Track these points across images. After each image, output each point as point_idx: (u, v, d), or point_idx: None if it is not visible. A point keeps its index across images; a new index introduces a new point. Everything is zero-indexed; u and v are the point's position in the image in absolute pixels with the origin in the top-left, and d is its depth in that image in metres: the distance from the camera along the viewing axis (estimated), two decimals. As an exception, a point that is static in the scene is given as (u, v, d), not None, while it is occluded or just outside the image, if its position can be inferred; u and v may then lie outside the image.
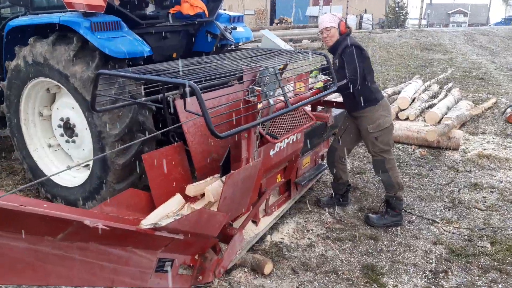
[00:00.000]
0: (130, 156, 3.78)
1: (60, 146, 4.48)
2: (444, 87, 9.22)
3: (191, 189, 2.97)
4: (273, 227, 3.86)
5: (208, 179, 3.10)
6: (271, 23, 34.16)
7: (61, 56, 3.75)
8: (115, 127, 3.68)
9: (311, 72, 3.99)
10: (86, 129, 3.95)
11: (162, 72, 2.74)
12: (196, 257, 2.77)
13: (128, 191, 2.75)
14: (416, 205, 4.38)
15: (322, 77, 3.85)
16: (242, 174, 2.69)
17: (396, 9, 33.60)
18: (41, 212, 1.65)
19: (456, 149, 5.87)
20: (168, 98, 2.99)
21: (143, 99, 3.07)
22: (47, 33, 3.96)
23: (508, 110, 7.15)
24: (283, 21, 30.95)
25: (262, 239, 3.68)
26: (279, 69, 3.05)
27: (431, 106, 7.72)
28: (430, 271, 3.30)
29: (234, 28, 5.21)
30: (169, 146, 3.03)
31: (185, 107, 2.11)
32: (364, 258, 3.48)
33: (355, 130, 3.94)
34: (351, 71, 3.50)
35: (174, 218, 2.70)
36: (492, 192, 4.61)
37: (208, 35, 5.15)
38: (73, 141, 4.20)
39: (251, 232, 3.54)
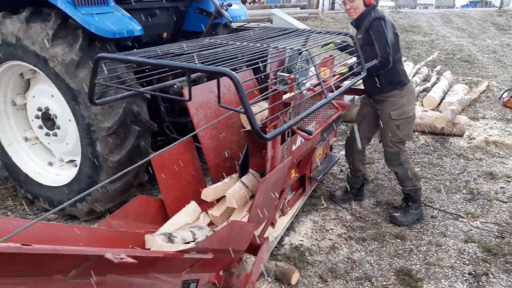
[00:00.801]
0: (125, 152, 3.27)
1: (39, 139, 3.88)
2: (434, 70, 9.02)
3: (209, 193, 2.52)
4: (289, 227, 3.47)
5: (226, 180, 2.65)
6: (243, 2, 33.02)
7: (37, 36, 3.15)
8: (107, 119, 3.15)
9: (325, 45, 3.51)
10: (70, 120, 3.40)
11: (173, 56, 2.25)
12: (221, 273, 2.35)
13: (137, 199, 2.27)
14: (434, 197, 4.09)
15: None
16: (274, 177, 2.26)
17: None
18: (51, 251, 1.17)
19: (461, 135, 5.64)
20: (175, 86, 2.50)
21: (147, 88, 2.54)
22: (16, 7, 3.34)
23: (505, 94, 6.99)
24: (256, 1, 29.87)
25: (280, 242, 3.28)
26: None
27: (425, 90, 7.49)
28: (470, 274, 3.01)
29: (230, 5, 4.69)
30: (177, 143, 2.54)
31: (219, 101, 1.65)
32: (395, 261, 3.16)
33: (374, 116, 3.56)
34: (382, 48, 3.08)
35: (191, 231, 2.25)
36: (509, 182, 4.39)
37: (200, 12, 4.62)
38: (54, 134, 3.63)
39: (270, 235, 3.13)
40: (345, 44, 3.45)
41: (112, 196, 3.46)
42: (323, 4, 20.69)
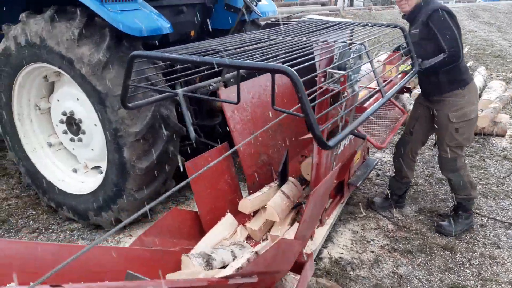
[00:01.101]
0: (154, 158, 3.08)
1: (63, 145, 3.74)
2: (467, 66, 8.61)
3: (247, 205, 2.31)
4: (327, 239, 3.24)
5: (265, 189, 2.43)
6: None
7: (62, 36, 2.99)
8: (134, 124, 2.96)
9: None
10: (96, 125, 3.23)
11: (214, 54, 2.04)
12: (263, 294, 2.13)
13: (170, 213, 2.07)
14: (481, 204, 3.79)
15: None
16: (323, 188, 2.03)
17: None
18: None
19: (502, 135, 5.29)
20: (210, 87, 2.29)
21: (183, 89, 2.33)
22: (41, 6, 3.19)
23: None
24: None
25: (318, 255, 3.05)
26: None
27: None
28: (531, 291, 2.73)
29: (259, 0, 4.47)
30: (213, 149, 2.35)
31: (273, 103, 1.42)
32: (446, 276, 2.89)
33: (429, 118, 3.27)
34: (449, 41, 2.81)
35: (232, 251, 2.04)
36: (562, 186, 4.05)
37: (228, 9, 4.41)
38: (80, 140, 3.47)
39: (308, 248, 2.91)
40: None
41: (139, 205, 3.28)
42: (344, 0, 20.32)
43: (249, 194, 2.48)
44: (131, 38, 3.04)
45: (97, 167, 3.65)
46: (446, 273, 2.92)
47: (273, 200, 2.24)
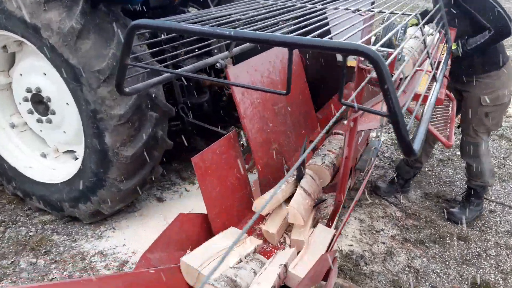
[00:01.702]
0: (141, 144, 2.66)
1: (28, 126, 3.23)
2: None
3: (261, 203, 1.95)
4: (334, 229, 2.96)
5: (282, 185, 2.07)
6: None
7: (25, -3, 2.46)
8: (118, 105, 2.52)
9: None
10: (68, 104, 2.76)
11: (227, 24, 1.62)
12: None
13: (177, 220, 1.70)
14: (487, 187, 3.62)
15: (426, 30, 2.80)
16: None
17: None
18: None
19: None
20: (217, 64, 1.89)
21: (186, 68, 1.87)
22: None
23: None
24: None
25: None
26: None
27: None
28: (554, 284, 2.58)
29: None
30: (221, 139, 1.96)
31: (341, 97, 1.06)
32: (464, 269, 2.69)
33: (457, 99, 2.99)
34: (495, 17, 2.52)
35: (253, 270, 1.69)
36: None
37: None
38: (48, 121, 2.97)
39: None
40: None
41: (123, 196, 2.88)
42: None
43: (261, 189, 2.13)
44: (109, 2, 2.55)
45: (70, 151, 3.18)
46: (464, 266, 2.73)
47: (295, 200, 1.90)
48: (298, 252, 1.83)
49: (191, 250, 1.70)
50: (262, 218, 2.10)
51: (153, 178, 3.02)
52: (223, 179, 1.92)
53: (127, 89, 1.44)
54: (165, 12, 3.39)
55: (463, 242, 2.94)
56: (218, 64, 1.88)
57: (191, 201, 3.34)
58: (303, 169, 2.12)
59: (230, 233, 1.87)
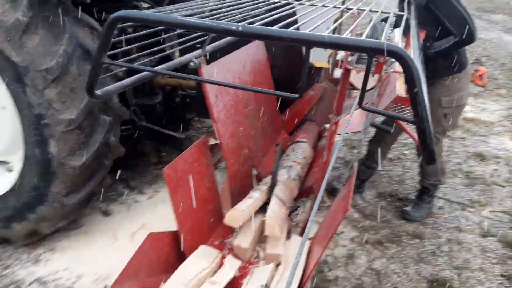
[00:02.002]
0: (92, 153, 2.42)
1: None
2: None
3: (237, 216, 1.83)
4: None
5: (255, 194, 1.98)
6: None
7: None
8: (67, 108, 2.27)
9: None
10: (4, 108, 2.44)
11: (218, 17, 1.49)
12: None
13: (147, 241, 1.53)
14: (432, 184, 3.79)
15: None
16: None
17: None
18: None
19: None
20: (191, 63, 1.75)
21: (162, 66, 1.68)
22: None
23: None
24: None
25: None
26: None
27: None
28: (502, 275, 2.74)
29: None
30: (193, 146, 1.83)
31: (361, 102, 0.98)
32: (422, 267, 2.78)
33: None
34: (459, 23, 2.60)
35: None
36: (498, 162, 4.24)
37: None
38: (-24, 127, 2.62)
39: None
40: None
41: (67, 212, 2.60)
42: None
43: (232, 199, 2.01)
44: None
45: (2, 163, 2.83)
46: (421, 264, 2.81)
47: (272, 210, 1.81)
48: (277, 265, 1.75)
49: (164, 281, 1.54)
50: (231, 231, 1.98)
51: (101, 190, 2.78)
52: (195, 190, 1.78)
53: (98, 92, 1.26)
54: (117, 6, 3.13)
55: (418, 240, 3.04)
56: (192, 63, 1.73)
57: (141, 214, 3.11)
58: (276, 176, 2.05)
59: (202, 253, 1.73)
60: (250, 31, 0.96)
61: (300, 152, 2.45)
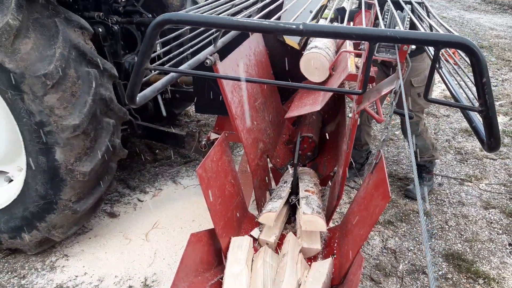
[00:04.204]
0: (99, 158, 2.32)
1: None
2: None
3: (271, 216, 1.80)
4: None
5: (282, 193, 1.94)
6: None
7: None
8: (70, 114, 2.15)
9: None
10: (-1, 117, 2.31)
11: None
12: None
13: (190, 243, 1.47)
14: (429, 162, 3.88)
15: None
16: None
17: None
18: None
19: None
20: (207, 61, 1.70)
21: (184, 66, 1.61)
22: None
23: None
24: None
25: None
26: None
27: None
28: (510, 244, 2.84)
29: None
30: (216, 144, 1.77)
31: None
32: (434, 243, 2.84)
33: None
34: None
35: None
36: (485, 136, 4.38)
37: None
38: (-30, 139, 2.46)
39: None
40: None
41: (79, 218, 2.51)
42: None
43: (256, 194, 1.97)
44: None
45: (1, 172, 2.69)
46: (433, 240, 2.87)
47: (304, 207, 1.78)
48: (311, 259, 1.73)
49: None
50: (253, 225, 1.94)
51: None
52: (222, 188, 1.73)
53: (137, 98, 1.20)
54: (97, 4, 3.00)
55: (425, 217, 3.10)
56: (208, 61, 1.67)
57: (150, 214, 3.04)
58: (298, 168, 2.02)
59: (237, 246, 1.69)
60: (310, 29, 0.93)
61: (306, 179, 2.34)
